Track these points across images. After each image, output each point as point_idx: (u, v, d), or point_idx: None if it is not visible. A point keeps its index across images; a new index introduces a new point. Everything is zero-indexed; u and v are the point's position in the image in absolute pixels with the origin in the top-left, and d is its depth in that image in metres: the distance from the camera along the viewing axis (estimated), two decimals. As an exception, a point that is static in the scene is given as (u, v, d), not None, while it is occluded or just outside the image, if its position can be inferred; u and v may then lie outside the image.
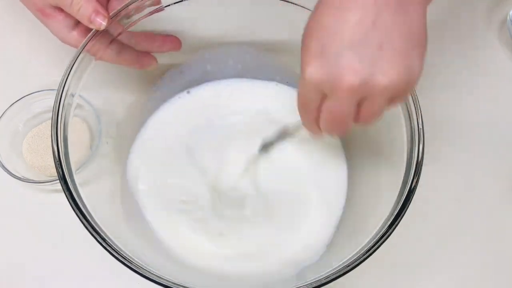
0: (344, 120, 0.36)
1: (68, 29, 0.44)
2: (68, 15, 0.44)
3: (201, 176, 0.50)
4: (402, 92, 0.34)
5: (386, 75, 0.32)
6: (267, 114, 0.53)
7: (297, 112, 0.40)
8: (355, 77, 0.32)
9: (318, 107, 0.36)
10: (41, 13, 0.45)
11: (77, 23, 0.44)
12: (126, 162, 0.50)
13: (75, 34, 0.45)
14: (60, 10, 0.43)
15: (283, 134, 0.48)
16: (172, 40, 0.50)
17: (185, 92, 0.54)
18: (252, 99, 0.54)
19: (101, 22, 0.42)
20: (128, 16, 0.45)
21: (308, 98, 0.36)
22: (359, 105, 0.35)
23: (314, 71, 0.34)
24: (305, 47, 0.35)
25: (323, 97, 0.35)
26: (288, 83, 0.54)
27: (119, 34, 0.46)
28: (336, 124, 0.37)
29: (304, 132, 0.43)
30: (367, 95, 0.34)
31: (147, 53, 0.49)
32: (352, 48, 0.32)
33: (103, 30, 0.43)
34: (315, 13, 0.35)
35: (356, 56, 0.32)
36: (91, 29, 0.44)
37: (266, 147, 0.49)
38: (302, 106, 0.38)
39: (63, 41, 0.45)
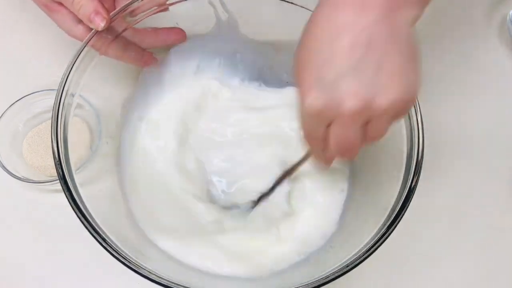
0: (352, 144, 0.36)
1: (74, 22, 0.45)
2: None
3: (201, 177, 0.50)
4: (405, 108, 0.35)
5: (387, 95, 0.32)
6: (272, 117, 0.52)
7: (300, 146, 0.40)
8: (357, 101, 0.32)
9: (324, 136, 0.36)
10: (46, 8, 0.45)
11: None
12: (125, 162, 0.50)
13: (81, 28, 0.45)
14: (63, 4, 0.44)
15: (287, 173, 0.47)
16: (176, 32, 0.50)
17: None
18: (252, 99, 0.54)
19: (99, 23, 0.43)
20: (132, 14, 0.46)
21: (313, 129, 0.36)
22: (364, 126, 0.35)
23: (314, 100, 0.33)
24: (300, 76, 0.35)
25: (328, 125, 0.35)
26: (288, 83, 0.54)
27: (123, 30, 0.46)
28: (345, 149, 0.36)
29: (306, 167, 0.43)
30: (371, 117, 0.34)
31: (150, 52, 0.49)
32: (350, 73, 0.32)
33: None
34: (304, 40, 0.35)
35: (355, 80, 0.32)
36: None
37: (271, 190, 0.48)
38: (308, 137, 0.38)
39: (70, 34, 0.45)
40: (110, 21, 0.43)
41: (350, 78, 0.32)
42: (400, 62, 0.33)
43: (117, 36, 0.46)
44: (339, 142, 0.36)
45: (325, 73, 0.33)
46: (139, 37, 0.48)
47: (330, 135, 0.36)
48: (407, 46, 0.34)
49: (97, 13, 0.42)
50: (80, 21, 0.45)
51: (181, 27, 0.50)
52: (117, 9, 0.45)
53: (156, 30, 0.49)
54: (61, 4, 0.44)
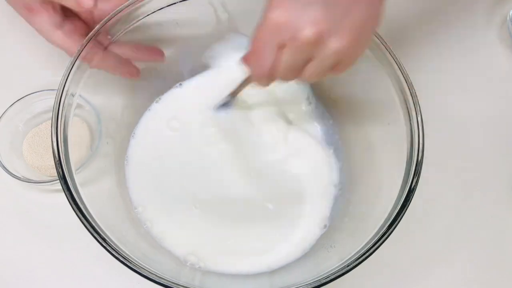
0: (294, 71, 0.37)
1: (53, 27, 0.44)
2: (54, 11, 0.43)
3: (200, 174, 0.50)
4: (347, 61, 0.36)
5: (342, 39, 0.34)
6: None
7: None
8: (314, 30, 0.34)
9: (271, 55, 0.36)
10: (27, 10, 0.44)
11: (63, 21, 0.44)
12: (125, 162, 0.50)
13: (60, 34, 0.45)
14: (47, 6, 0.43)
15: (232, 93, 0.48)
16: (156, 52, 0.50)
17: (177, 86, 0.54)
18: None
19: (88, 1, 0.42)
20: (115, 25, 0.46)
21: (264, 43, 0.36)
22: (306, 61, 0.36)
23: (279, 13, 0.34)
24: None
25: (278, 46, 0.36)
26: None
27: (109, 44, 0.46)
28: (288, 72, 0.38)
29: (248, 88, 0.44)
30: (317, 53, 0.35)
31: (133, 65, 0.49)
32: (322, 4, 0.33)
33: (96, 36, 0.43)
34: None
35: (322, 12, 0.34)
36: (77, 28, 0.44)
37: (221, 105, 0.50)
38: (256, 50, 0.38)
39: (48, 40, 0.45)
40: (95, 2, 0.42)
41: (319, 9, 0.34)
42: (364, 20, 0.35)
43: (106, 47, 0.46)
44: (282, 62, 0.37)
45: None
46: (121, 50, 0.48)
47: (278, 56, 0.36)
48: (375, 10, 0.35)
49: None
50: (59, 27, 0.44)
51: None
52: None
53: (137, 46, 0.49)
54: (43, 5, 0.43)
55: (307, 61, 0.36)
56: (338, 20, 0.34)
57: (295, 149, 0.51)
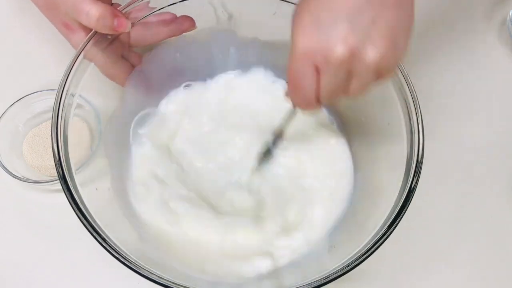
0: (336, 90, 0.37)
1: None
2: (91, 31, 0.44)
3: (202, 175, 0.50)
4: (389, 67, 0.36)
5: (375, 49, 0.34)
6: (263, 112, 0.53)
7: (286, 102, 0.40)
8: (345, 48, 0.33)
9: (311, 82, 0.36)
10: (66, 27, 0.45)
11: None
12: (125, 161, 0.50)
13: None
14: (84, 26, 0.43)
15: (279, 132, 0.48)
16: (187, 19, 0.49)
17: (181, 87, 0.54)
18: (250, 95, 0.54)
19: (126, 26, 0.43)
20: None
21: (300, 73, 0.36)
22: (349, 78, 0.36)
23: (307, 41, 0.34)
24: (298, 19, 0.35)
25: (315, 69, 0.36)
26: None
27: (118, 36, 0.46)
28: (330, 94, 0.37)
29: (295, 121, 0.44)
30: (355, 68, 0.35)
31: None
32: (346, 20, 0.33)
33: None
34: None
35: (349, 28, 0.33)
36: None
37: (267, 152, 0.49)
38: (294, 83, 0.38)
39: (85, 56, 0.45)
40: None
41: (345, 25, 0.33)
42: (394, 23, 0.34)
43: (110, 44, 0.45)
44: (324, 86, 0.36)
45: (323, 16, 0.34)
46: (153, 29, 0.48)
47: (319, 81, 0.36)
48: (405, 9, 0.35)
49: (118, 17, 0.42)
50: None
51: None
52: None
53: (166, 21, 0.48)
54: (81, 24, 0.44)
55: (349, 77, 0.36)
56: (367, 30, 0.33)
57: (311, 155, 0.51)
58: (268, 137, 0.49)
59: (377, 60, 0.34)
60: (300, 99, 0.39)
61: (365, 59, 0.34)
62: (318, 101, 0.38)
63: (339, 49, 0.33)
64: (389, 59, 0.35)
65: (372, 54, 0.34)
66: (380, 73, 0.35)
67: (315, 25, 0.34)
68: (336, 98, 0.38)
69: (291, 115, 0.45)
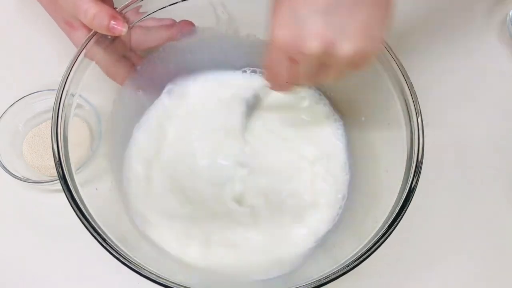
0: (309, 78, 0.38)
1: None
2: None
3: (202, 175, 0.50)
4: (361, 62, 0.36)
5: (349, 44, 0.34)
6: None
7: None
8: (319, 43, 0.34)
9: (285, 70, 0.38)
10: (68, 25, 0.45)
11: None
12: (125, 161, 0.50)
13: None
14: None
15: (257, 97, 0.50)
16: (187, 23, 0.50)
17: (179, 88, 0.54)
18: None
19: (121, 29, 0.43)
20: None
21: (276, 61, 0.38)
22: (323, 67, 0.37)
23: (282, 34, 0.35)
24: (276, 12, 0.36)
25: (290, 60, 0.37)
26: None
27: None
28: (305, 80, 0.39)
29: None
30: (330, 59, 0.35)
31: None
32: (321, 13, 0.34)
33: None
34: None
35: (324, 22, 0.34)
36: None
37: (249, 109, 0.51)
38: (270, 69, 0.40)
39: (86, 55, 0.45)
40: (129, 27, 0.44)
41: (320, 19, 0.34)
42: (370, 15, 0.35)
43: (112, 43, 0.45)
44: (299, 73, 0.38)
45: (299, 10, 0.34)
46: (153, 33, 0.48)
47: (293, 68, 0.37)
48: (380, 3, 0.35)
49: (115, 19, 0.42)
50: None
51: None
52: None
53: (166, 25, 0.49)
54: (83, 22, 0.44)
55: (324, 67, 0.37)
56: (342, 25, 0.34)
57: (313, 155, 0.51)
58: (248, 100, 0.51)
59: (351, 54, 0.35)
60: (275, 83, 0.41)
61: (339, 53, 0.35)
62: (291, 84, 0.40)
63: (313, 44, 0.34)
64: (363, 53, 0.35)
65: (346, 48, 0.34)
66: (353, 64, 0.36)
67: (291, 19, 0.35)
68: (310, 83, 0.40)
69: (267, 91, 0.46)
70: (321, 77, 0.38)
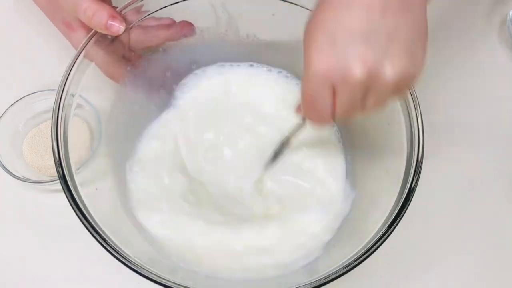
0: (352, 109, 0.36)
1: None
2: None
3: (204, 176, 0.50)
4: (408, 84, 0.35)
5: (394, 67, 0.33)
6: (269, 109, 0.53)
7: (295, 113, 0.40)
8: (364, 69, 0.33)
9: (327, 102, 0.36)
10: (66, 26, 0.45)
11: None
12: (125, 161, 0.50)
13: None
14: (85, 24, 0.44)
15: (286, 142, 0.48)
16: (186, 25, 0.50)
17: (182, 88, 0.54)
18: (254, 91, 0.54)
19: (118, 28, 0.43)
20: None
21: (316, 94, 0.35)
22: (366, 94, 0.35)
23: (323, 61, 0.33)
24: (311, 40, 0.34)
25: (332, 90, 0.35)
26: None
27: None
28: (346, 112, 0.36)
29: (303, 132, 0.43)
30: (374, 86, 0.34)
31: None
32: (362, 39, 0.32)
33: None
34: (319, 9, 0.35)
35: (366, 47, 0.33)
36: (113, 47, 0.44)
37: (274, 157, 0.49)
38: (310, 103, 0.37)
39: (85, 56, 0.45)
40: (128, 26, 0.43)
41: (362, 44, 0.32)
42: (411, 36, 0.33)
43: (113, 42, 0.45)
44: (341, 104, 0.35)
45: (338, 36, 0.33)
46: (153, 33, 0.48)
47: (335, 100, 0.35)
48: (418, 24, 0.34)
49: (113, 18, 0.42)
50: None
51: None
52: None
53: (166, 25, 0.49)
54: (81, 23, 0.44)
55: (366, 94, 0.35)
56: (384, 47, 0.33)
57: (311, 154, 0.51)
58: (275, 146, 0.49)
59: (396, 77, 0.33)
60: (315, 116, 0.38)
61: (383, 78, 0.33)
62: (332, 118, 0.37)
63: (357, 70, 0.33)
64: (407, 75, 0.34)
65: (390, 72, 0.33)
66: (398, 89, 0.35)
67: (330, 44, 0.33)
68: (352, 114, 0.37)
69: (300, 127, 0.44)
70: (362, 105, 0.36)
